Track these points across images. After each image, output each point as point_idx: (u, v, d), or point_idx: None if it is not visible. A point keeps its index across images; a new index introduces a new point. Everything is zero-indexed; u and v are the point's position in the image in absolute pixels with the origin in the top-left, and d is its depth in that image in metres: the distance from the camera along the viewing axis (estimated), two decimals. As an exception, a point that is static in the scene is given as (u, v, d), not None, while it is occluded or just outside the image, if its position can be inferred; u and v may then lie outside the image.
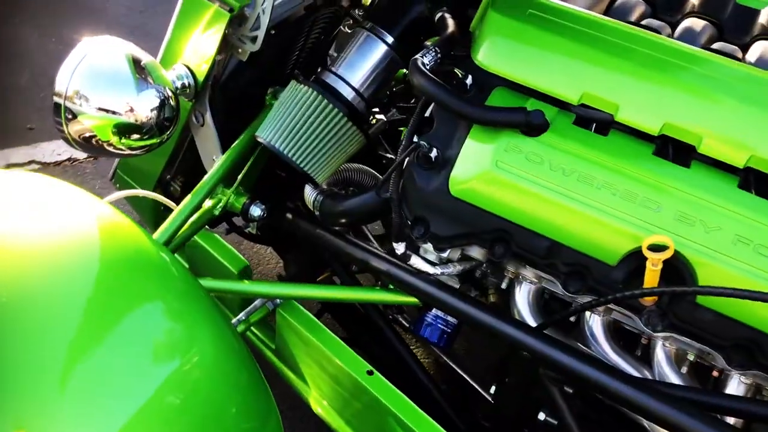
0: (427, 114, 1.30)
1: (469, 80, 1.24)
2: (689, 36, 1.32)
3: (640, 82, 1.15)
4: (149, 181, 1.68)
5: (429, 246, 1.27)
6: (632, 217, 1.09)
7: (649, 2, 1.40)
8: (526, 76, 1.20)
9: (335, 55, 1.82)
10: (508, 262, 1.24)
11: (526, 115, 1.13)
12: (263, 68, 1.52)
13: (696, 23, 1.35)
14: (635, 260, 1.10)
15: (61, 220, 1.17)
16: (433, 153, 1.20)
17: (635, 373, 1.21)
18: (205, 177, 1.46)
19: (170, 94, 1.38)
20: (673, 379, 1.18)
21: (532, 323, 1.25)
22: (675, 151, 1.14)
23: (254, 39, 1.41)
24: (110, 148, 1.38)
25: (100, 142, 1.36)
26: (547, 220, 1.14)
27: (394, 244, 1.32)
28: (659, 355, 1.20)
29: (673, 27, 1.36)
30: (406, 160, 1.26)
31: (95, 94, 1.33)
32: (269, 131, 1.40)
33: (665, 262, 1.05)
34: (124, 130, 1.35)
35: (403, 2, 1.44)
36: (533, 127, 1.14)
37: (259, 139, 1.42)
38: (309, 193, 1.45)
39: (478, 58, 1.23)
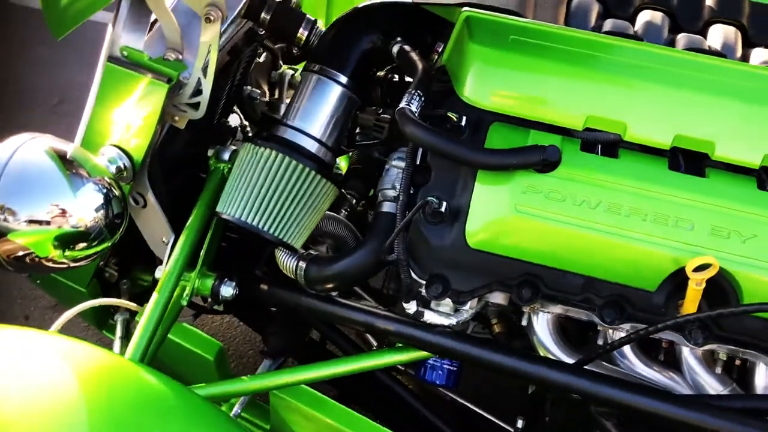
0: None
1: (463, 121, 1.14)
2: (653, 32, 1.29)
3: (641, 95, 1.11)
4: (83, 276, 1.45)
5: (446, 300, 1.18)
6: (670, 240, 1.05)
7: (600, 0, 1.36)
8: (523, 108, 1.12)
9: (249, 89, 1.66)
10: (535, 302, 1.17)
11: (542, 153, 1.06)
12: (195, 127, 1.34)
13: (653, 16, 1.33)
14: (674, 280, 1.07)
15: (28, 377, 1.00)
16: (443, 207, 1.10)
17: (671, 384, 1.19)
18: (167, 268, 1.27)
19: (111, 183, 1.18)
20: (712, 382, 1.17)
21: (564, 357, 1.20)
22: (687, 161, 1.11)
23: (196, 106, 1.23)
24: (50, 264, 1.16)
25: (36, 259, 1.15)
26: (580, 257, 1.08)
27: (405, 305, 1.22)
28: (690, 361, 1.19)
29: (632, 22, 1.33)
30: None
31: (23, 206, 1.12)
32: (234, 205, 1.24)
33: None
34: (66, 241, 1.14)
35: (350, 36, 1.31)
36: (550, 164, 1.07)
37: (224, 217, 1.25)
38: (286, 261, 1.29)
39: (466, 95, 1.13)
